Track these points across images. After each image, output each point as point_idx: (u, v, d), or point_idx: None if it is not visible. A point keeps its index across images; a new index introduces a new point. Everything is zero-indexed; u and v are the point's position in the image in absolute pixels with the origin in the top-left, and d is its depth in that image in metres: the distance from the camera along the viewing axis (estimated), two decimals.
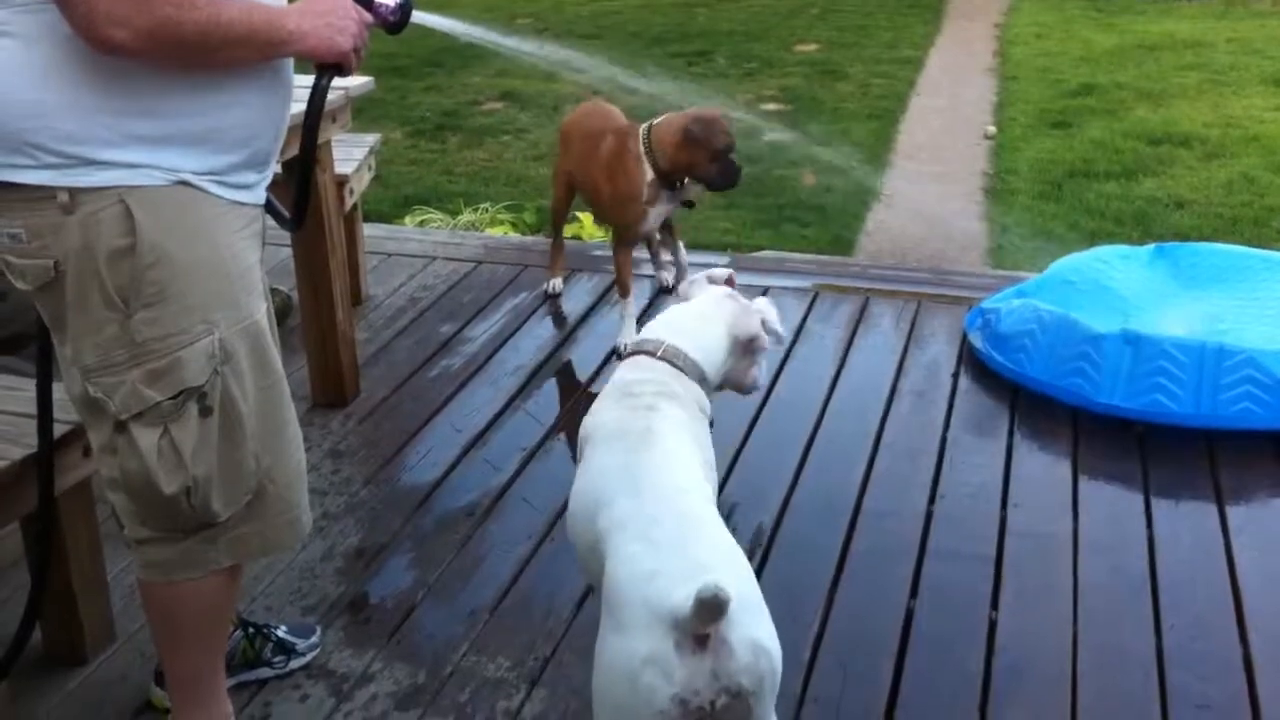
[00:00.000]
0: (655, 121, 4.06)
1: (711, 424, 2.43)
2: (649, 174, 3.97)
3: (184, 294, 1.93)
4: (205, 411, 1.98)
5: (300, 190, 2.17)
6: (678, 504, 2.00)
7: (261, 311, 2.07)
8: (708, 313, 2.53)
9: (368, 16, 2.07)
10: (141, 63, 1.83)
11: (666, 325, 2.49)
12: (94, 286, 1.90)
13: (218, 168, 1.97)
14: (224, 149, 1.97)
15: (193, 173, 1.94)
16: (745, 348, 2.55)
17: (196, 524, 2.05)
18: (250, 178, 2.04)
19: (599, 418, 2.31)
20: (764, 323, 2.56)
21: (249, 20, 1.88)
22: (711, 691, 1.73)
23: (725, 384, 2.60)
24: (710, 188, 4.07)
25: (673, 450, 2.16)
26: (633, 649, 1.76)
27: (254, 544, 2.15)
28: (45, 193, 1.87)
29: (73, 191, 1.87)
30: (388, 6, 2.11)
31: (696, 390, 2.39)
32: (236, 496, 2.07)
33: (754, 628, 1.79)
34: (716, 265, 3.47)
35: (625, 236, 4.12)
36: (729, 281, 2.68)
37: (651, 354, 2.39)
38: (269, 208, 2.18)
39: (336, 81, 2.13)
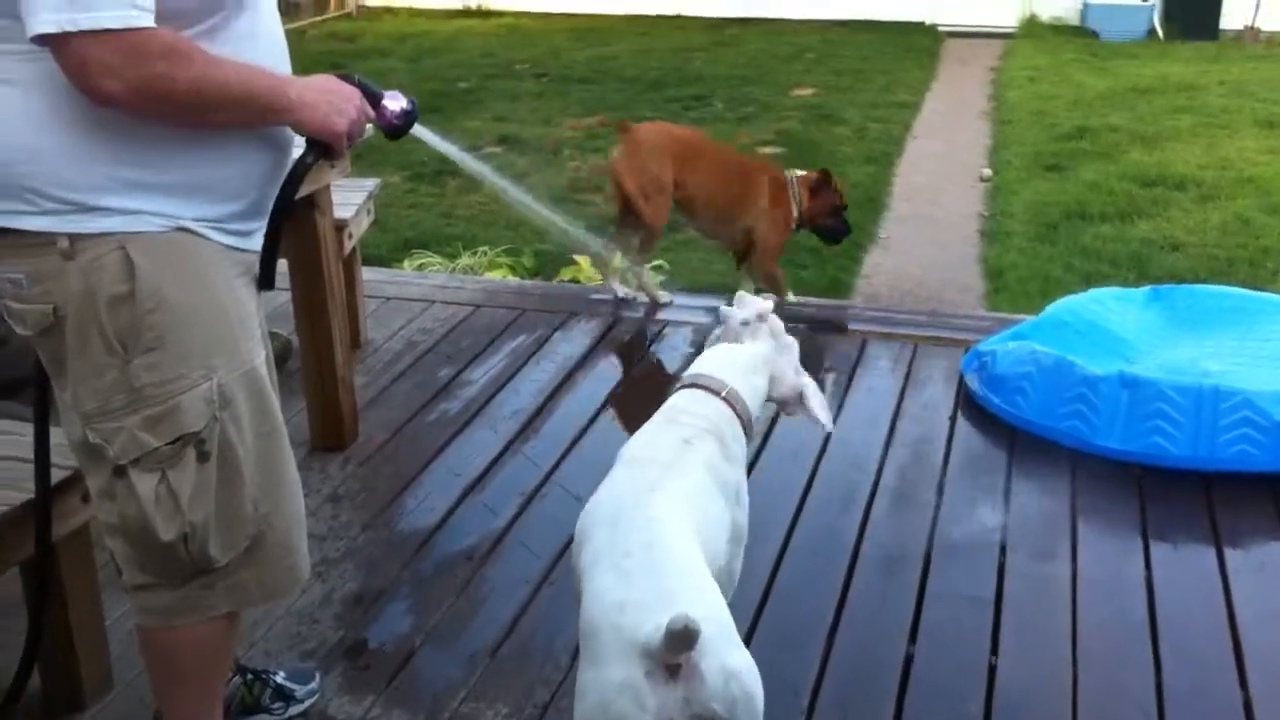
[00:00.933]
0: (797, 174, 4.94)
1: None
2: (795, 215, 4.88)
3: (183, 340, 1.95)
4: (203, 457, 1.99)
5: (267, 253, 2.11)
6: (648, 533, 1.98)
7: (260, 357, 2.08)
8: (758, 364, 2.48)
9: (369, 111, 2.08)
10: (138, 115, 1.85)
11: (728, 367, 2.43)
12: (94, 332, 1.91)
13: (216, 215, 1.99)
14: (223, 198, 1.99)
15: (192, 219, 1.95)
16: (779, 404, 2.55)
17: (194, 570, 2.05)
18: (249, 225, 2.05)
19: (635, 438, 2.32)
20: (804, 397, 2.50)
21: (248, 83, 1.90)
22: (685, 719, 1.75)
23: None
24: (825, 237, 5.09)
25: (674, 483, 2.14)
26: (606, 679, 1.77)
27: (253, 590, 2.15)
28: (46, 239, 1.88)
29: (73, 238, 1.88)
30: (393, 111, 2.12)
31: (741, 436, 2.36)
32: (235, 542, 2.07)
33: (725, 655, 1.80)
34: (716, 306, 3.52)
35: (772, 258, 4.97)
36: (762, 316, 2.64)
37: (716, 392, 2.36)
38: (270, 262, 2.15)
39: None
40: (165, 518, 1.99)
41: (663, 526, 2.01)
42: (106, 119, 1.85)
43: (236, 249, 2.04)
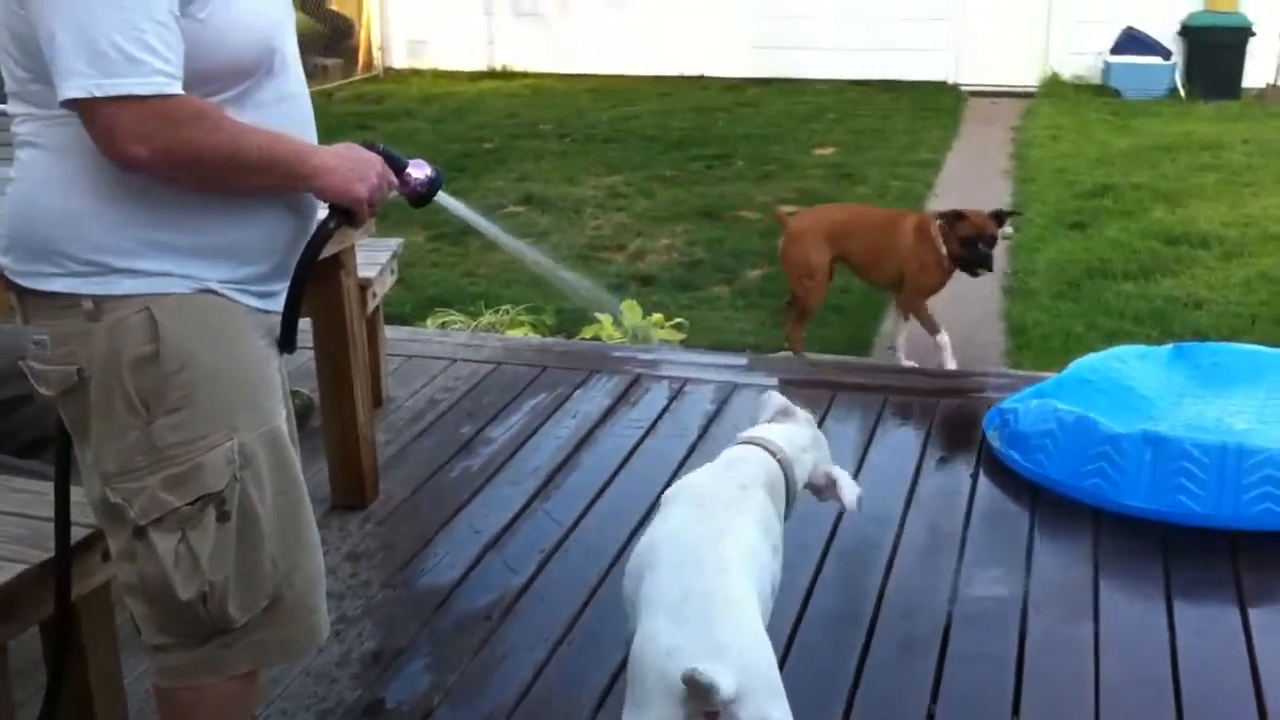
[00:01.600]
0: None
1: None
2: (943, 253, 5.24)
3: (208, 399, 1.96)
4: (223, 517, 2.00)
5: (288, 317, 2.12)
6: (713, 582, 2.04)
7: (281, 417, 2.10)
8: (806, 444, 2.57)
9: (393, 179, 2.11)
10: (163, 180, 1.88)
11: (782, 436, 2.53)
12: (118, 393, 1.93)
13: (241, 277, 2.01)
14: (248, 261, 2.01)
15: (217, 281, 1.98)
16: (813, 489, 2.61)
17: (213, 629, 2.05)
18: (272, 287, 2.08)
19: (691, 478, 2.44)
20: (836, 483, 2.59)
21: (272, 150, 1.93)
22: None
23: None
24: (966, 269, 5.27)
25: (738, 531, 2.22)
26: None
27: (272, 649, 2.15)
28: (71, 300, 1.91)
29: (98, 299, 1.90)
30: (417, 179, 2.15)
31: (784, 497, 2.45)
32: (254, 602, 2.07)
33: (765, 707, 1.84)
34: (737, 364, 3.52)
35: (918, 296, 5.39)
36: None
37: (772, 453, 2.46)
38: (291, 326, 2.15)
39: None
40: (185, 577, 2.00)
41: (726, 576, 2.07)
42: (134, 183, 1.88)
43: (260, 310, 2.06)
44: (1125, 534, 3.50)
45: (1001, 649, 2.97)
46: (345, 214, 2.06)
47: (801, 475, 2.50)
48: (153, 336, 1.92)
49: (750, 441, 2.50)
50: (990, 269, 5.31)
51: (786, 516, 2.47)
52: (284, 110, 2.01)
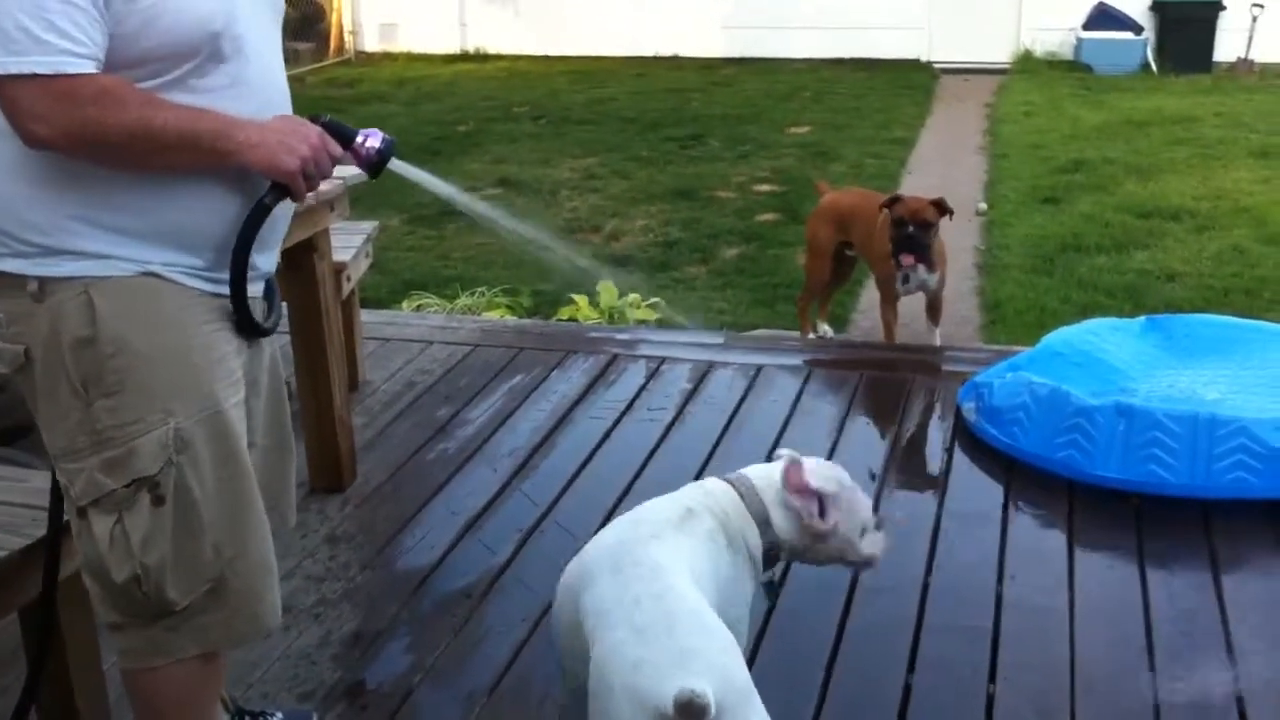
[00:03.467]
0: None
1: (775, 593, 2.36)
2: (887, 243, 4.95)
3: (143, 384, 1.96)
4: (158, 501, 2.00)
5: (236, 299, 2.07)
6: (656, 582, 1.93)
7: (230, 402, 2.07)
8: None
9: (336, 149, 2.06)
10: (75, 159, 1.87)
11: (764, 476, 2.33)
12: (60, 375, 1.95)
13: (188, 261, 2.00)
14: (194, 244, 2.00)
15: (161, 264, 1.97)
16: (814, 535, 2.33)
17: (154, 611, 2.06)
18: (225, 272, 2.04)
19: (643, 504, 2.26)
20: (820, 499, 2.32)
21: (192, 126, 1.89)
22: None
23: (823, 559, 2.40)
24: (893, 250, 4.91)
25: (670, 540, 2.08)
26: None
27: (217, 634, 2.14)
28: (18, 281, 1.93)
29: (42, 281, 1.92)
30: (367, 148, 2.11)
31: (754, 536, 2.24)
32: (193, 585, 2.06)
33: (745, 715, 1.78)
34: (713, 343, 3.47)
35: (880, 283, 5.18)
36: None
37: (731, 482, 2.30)
38: (241, 310, 2.10)
39: (339, 170, 2.14)
40: (118, 559, 2.01)
41: (669, 575, 1.96)
42: (69, 164, 1.88)
43: (210, 294, 2.05)
44: (1099, 504, 3.53)
45: (978, 620, 3.00)
46: (283, 189, 2.02)
47: (783, 523, 2.27)
48: (90, 320, 1.93)
49: (725, 477, 2.34)
50: (920, 256, 4.85)
51: (779, 559, 2.27)
52: (242, 94, 1.98)
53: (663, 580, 1.94)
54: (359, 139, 2.11)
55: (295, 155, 1.97)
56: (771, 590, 2.35)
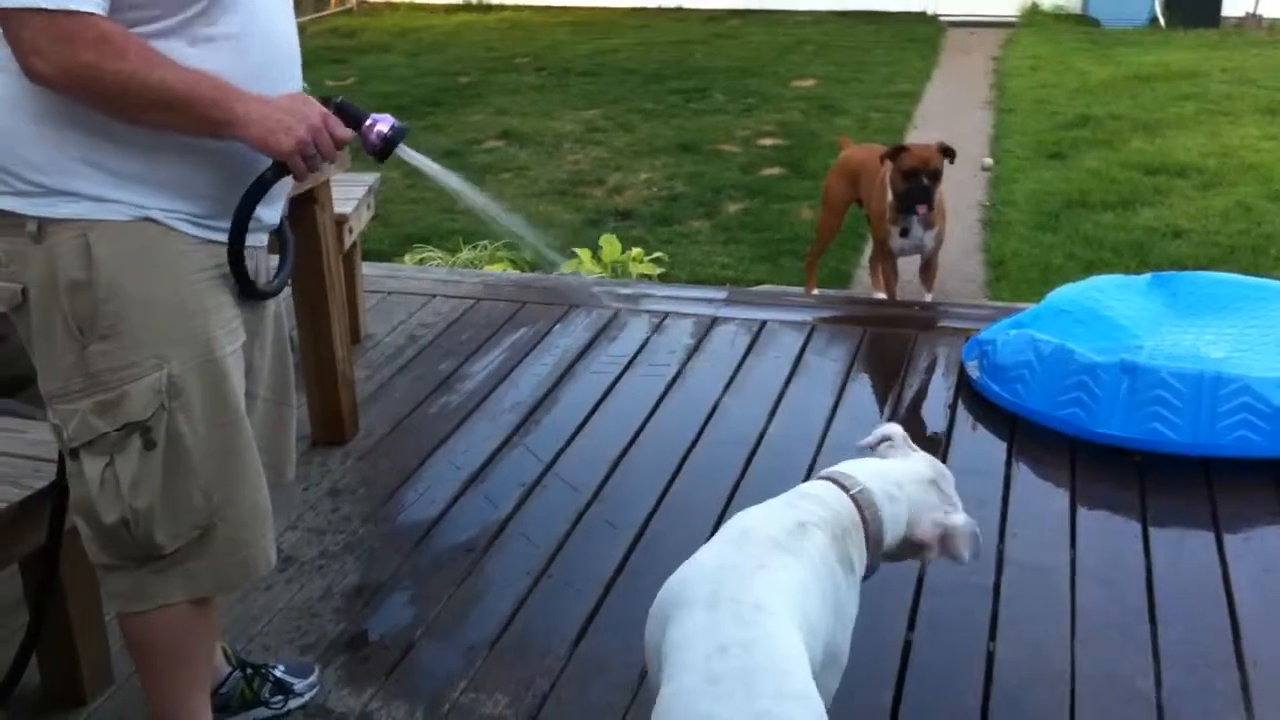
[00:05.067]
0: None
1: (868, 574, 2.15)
2: (889, 197, 4.83)
3: (137, 329, 1.96)
4: (149, 445, 2.00)
5: (235, 268, 2.06)
6: (750, 629, 1.74)
7: (227, 350, 2.06)
8: (906, 481, 2.15)
9: (341, 132, 2.01)
10: (74, 100, 1.86)
11: (869, 470, 2.15)
12: (56, 316, 1.95)
13: (187, 209, 1.99)
14: (194, 192, 1.99)
15: (160, 210, 1.96)
16: (913, 544, 2.17)
17: (143, 554, 2.07)
18: (222, 222, 2.03)
19: (751, 510, 2.06)
20: (944, 537, 2.14)
21: (190, 90, 1.86)
22: None
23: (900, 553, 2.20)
24: (901, 206, 4.77)
25: (780, 568, 1.88)
26: None
27: (205, 580, 2.14)
28: (17, 220, 1.92)
29: (40, 222, 1.92)
30: (375, 133, 2.06)
31: (864, 548, 2.06)
32: (182, 530, 2.07)
33: None
34: (716, 298, 3.40)
35: (875, 235, 5.10)
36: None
37: (846, 489, 2.08)
38: (239, 275, 2.08)
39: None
40: (108, 502, 2.02)
41: (768, 622, 1.76)
42: (77, 105, 1.87)
43: (208, 240, 2.03)
44: (1102, 462, 3.53)
45: (979, 577, 2.99)
46: (282, 166, 1.98)
47: (893, 524, 2.09)
48: (86, 263, 1.92)
49: (829, 477, 2.12)
50: (931, 206, 4.74)
51: (868, 575, 2.10)
52: (244, 47, 1.95)
53: (759, 627, 1.75)
54: (368, 122, 2.08)
55: (292, 136, 1.92)
56: None
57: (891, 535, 2.09)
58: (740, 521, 2.02)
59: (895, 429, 2.28)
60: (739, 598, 1.78)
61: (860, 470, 2.13)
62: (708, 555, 1.93)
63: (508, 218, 2.46)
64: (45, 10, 1.77)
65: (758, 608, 1.77)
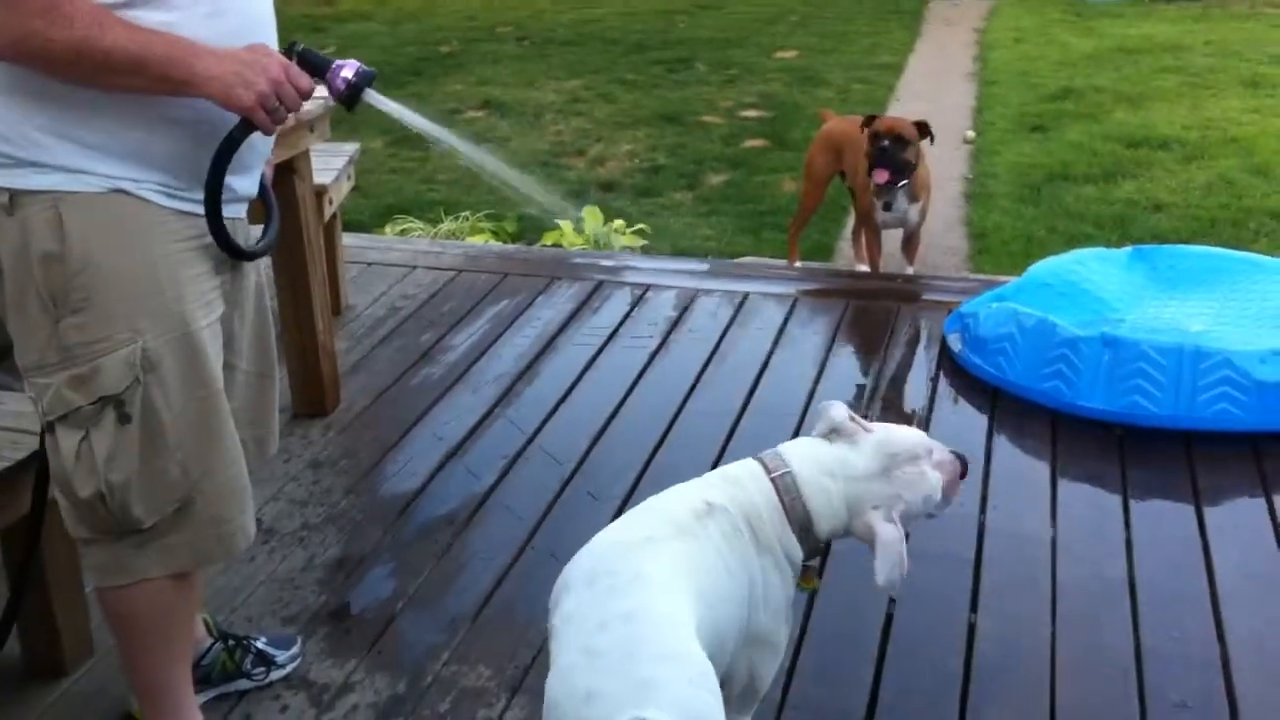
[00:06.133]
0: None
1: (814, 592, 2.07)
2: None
3: (109, 302, 1.94)
4: (124, 419, 1.99)
5: (214, 228, 2.03)
6: (630, 599, 1.70)
7: (203, 323, 2.04)
8: (837, 470, 2.01)
9: (304, 82, 1.96)
10: (28, 70, 1.83)
11: (806, 457, 2.03)
12: (30, 289, 1.93)
13: (160, 180, 1.97)
14: (166, 162, 1.97)
15: (132, 181, 1.94)
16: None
17: (120, 528, 2.06)
18: (197, 191, 2.00)
19: (658, 496, 2.00)
20: (875, 544, 1.98)
21: (144, 50, 1.83)
22: None
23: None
24: (870, 167, 4.72)
25: (672, 545, 1.83)
26: None
27: (183, 554, 2.13)
28: None
29: (12, 193, 1.90)
30: (341, 78, 2.01)
31: (790, 538, 1.97)
32: (159, 505, 2.06)
33: None
34: (699, 269, 3.37)
35: (859, 205, 5.06)
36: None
37: (769, 470, 2.00)
38: (219, 235, 2.05)
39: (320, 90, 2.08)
40: (83, 475, 2.01)
41: (649, 589, 1.73)
42: (37, 76, 1.84)
43: (187, 213, 2.01)
44: (1083, 435, 3.54)
45: (960, 549, 3.01)
46: (248, 122, 1.95)
47: (828, 514, 1.99)
48: (59, 236, 1.90)
49: (761, 459, 2.03)
50: (903, 176, 4.70)
51: (807, 560, 2.01)
52: (216, 14, 1.93)
53: (639, 596, 1.71)
54: (332, 68, 2.04)
55: (252, 90, 1.88)
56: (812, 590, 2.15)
57: (828, 525, 2.00)
58: (643, 504, 1.98)
59: (839, 415, 2.05)
60: (616, 570, 1.76)
61: (795, 453, 2.03)
62: (600, 535, 1.90)
63: (488, 161, 2.42)
64: None
65: (636, 578, 1.74)
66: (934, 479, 2.06)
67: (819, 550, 2.06)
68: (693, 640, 1.68)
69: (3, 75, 1.86)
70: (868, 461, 2.02)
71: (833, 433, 2.05)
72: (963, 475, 2.14)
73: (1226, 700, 2.51)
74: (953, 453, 2.13)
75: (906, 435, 2.08)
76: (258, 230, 2.27)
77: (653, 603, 1.71)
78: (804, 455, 2.03)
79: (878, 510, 2.00)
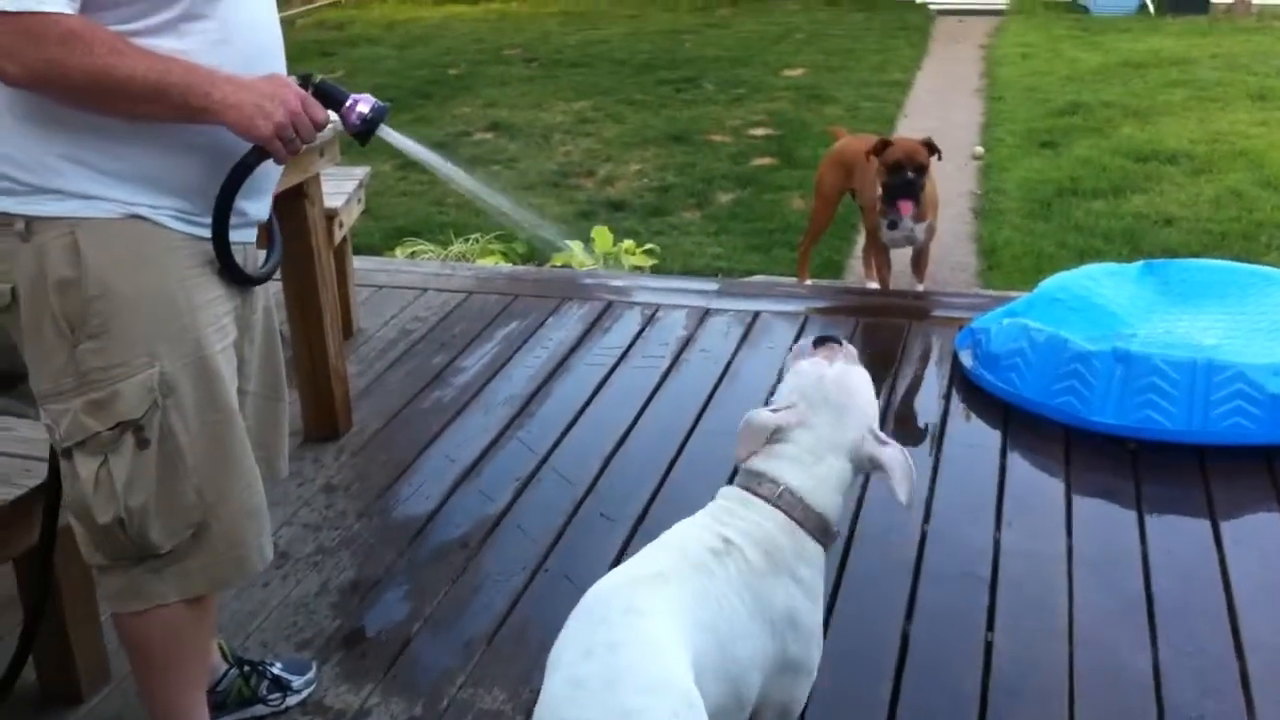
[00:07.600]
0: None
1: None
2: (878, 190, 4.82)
3: (127, 327, 1.95)
4: (142, 444, 1.99)
5: (219, 252, 2.03)
6: (618, 631, 1.68)
7: (218, 347, 2.05)
8: (819, 454, 2.02)
9: (320, 114, 1.98)
10: (48, 98, 1.84)
11: (793, 463, 2.01)
12: (46, 315, 1.94)
13: (174, 205, 1.98)
14: (181, 188, 1.97)
15: (148, 207, 1.95)
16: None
17: (138, 554, 2.06)
18: (209, 216, 2.01)
19: (670, 531, 1.98)
20: (884, 469, 2.01)
21: (162, 79, 1.84)
22: None
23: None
24: (885, 198, 4.77)
25: (674, 587, 1.80)
26: None
27: (199, 579, 2.13)
28: (5, 219, 1.91)
29: (28, 220, 1.90)
30: (356, 113, 2.03)
31: (809, 550, 1.99)
32: (177, 529, 2.06)
33: None
34: (709, 289, 3.36)
35: (867, 226, 5.08)
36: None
37: (766, 498, 1.99)
38: (225, 260, 2.06)
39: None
40: (102, 502, 2.00)
41: (638, 623, 1.70)
42: (61, 103, 1.85)
43: (203, 238, 2.02)
44: (1096, 450, 3.53)
45: (976, 567, 3.00)
46: (262, 150, 1.96)
47: (834, 500, 2.01)
48: (75, 261, 1.91)
49: (748, 487, 2.01)
50: (916, 202, 4.71)
51: (829, 545, 2.03)
52: (228, 42, 1.94)
53: (629, 629, 1.69)
54: (348, 103, 2.06)
55: (270, 120, 1.90)
56: None
57: (835, 512, 2.02)
58: (663, 537, 1.96)
59: (769, 418, 2.04)
60: (611, 603, 1.75)
61: (775, 469, 2.01)
62: (613, 571, 1.88)
63: (496, 198, 2.44)
64: (7, 12, 1.75)
65: (629, 610, 1.72)
66: (855, 376, 2.08)
67: (836, 535, 2.06)
68: (681, 670, 1.66)
69: (21, 103, 1.87)
70: (824, 426, 2.02)
71: (776, 432, 2.04)
72: (816, 345, 2.15)
73: (1247, 714, 2.49)
74: (810, 342, 2.16)
75: (804, 379, 2.08)
76: (261, 255, 2.28)
77: (641, 633, 1.69)
78: (785, 467, 2.01)
79: (864, 440, 2.01)
